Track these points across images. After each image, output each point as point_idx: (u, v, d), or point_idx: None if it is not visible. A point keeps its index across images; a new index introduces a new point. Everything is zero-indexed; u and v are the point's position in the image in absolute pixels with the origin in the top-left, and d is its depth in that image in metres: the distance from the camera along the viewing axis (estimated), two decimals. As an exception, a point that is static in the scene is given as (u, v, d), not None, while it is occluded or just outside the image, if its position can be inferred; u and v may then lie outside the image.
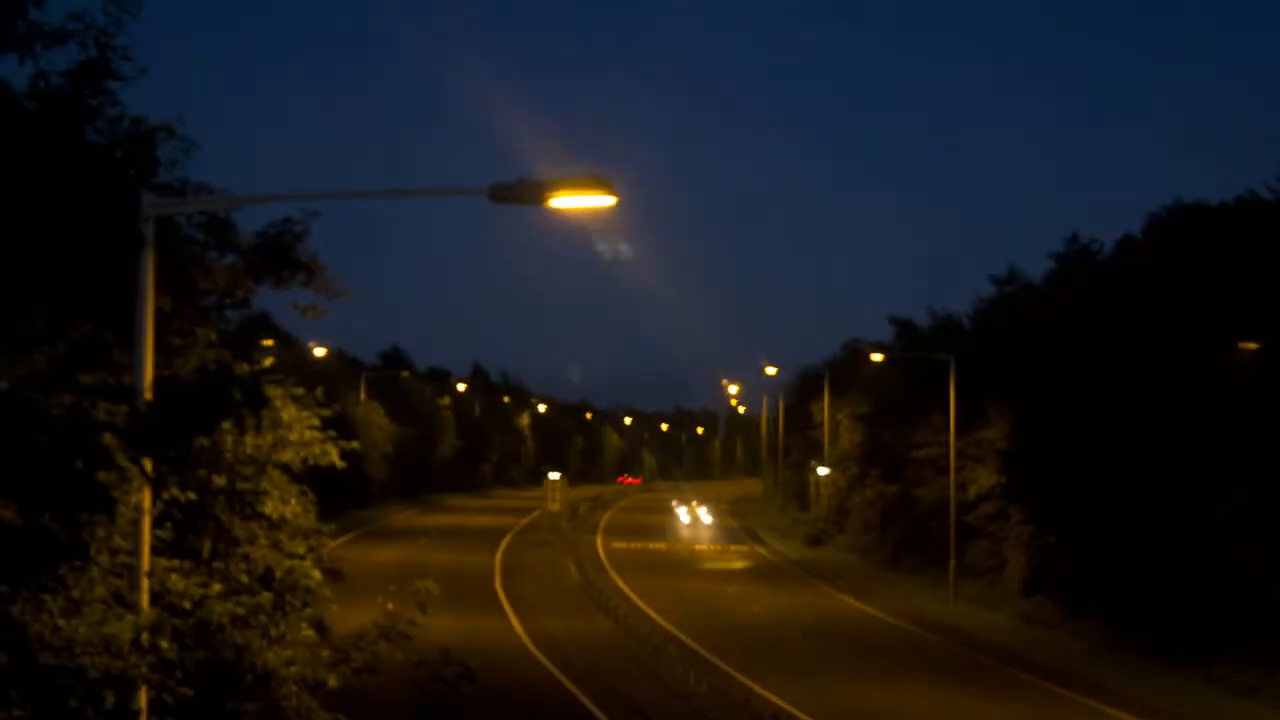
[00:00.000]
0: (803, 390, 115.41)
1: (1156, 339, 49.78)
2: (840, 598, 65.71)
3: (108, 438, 13.67)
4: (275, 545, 17.34)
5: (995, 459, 63.29)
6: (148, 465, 14.11)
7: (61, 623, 13.27)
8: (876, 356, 79.68)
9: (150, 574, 14.78)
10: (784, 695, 39.84)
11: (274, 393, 17.34)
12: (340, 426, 20.65)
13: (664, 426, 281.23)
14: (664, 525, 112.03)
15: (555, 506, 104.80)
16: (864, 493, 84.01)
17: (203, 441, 16.15)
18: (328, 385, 21.58)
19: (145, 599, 14.60)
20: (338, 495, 74.77)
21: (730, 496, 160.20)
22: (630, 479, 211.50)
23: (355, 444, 19.74)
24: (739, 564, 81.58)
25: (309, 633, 17.27)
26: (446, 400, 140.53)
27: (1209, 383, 47.22)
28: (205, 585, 15.37)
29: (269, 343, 69.02)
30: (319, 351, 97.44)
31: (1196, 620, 45.71)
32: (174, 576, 15.07)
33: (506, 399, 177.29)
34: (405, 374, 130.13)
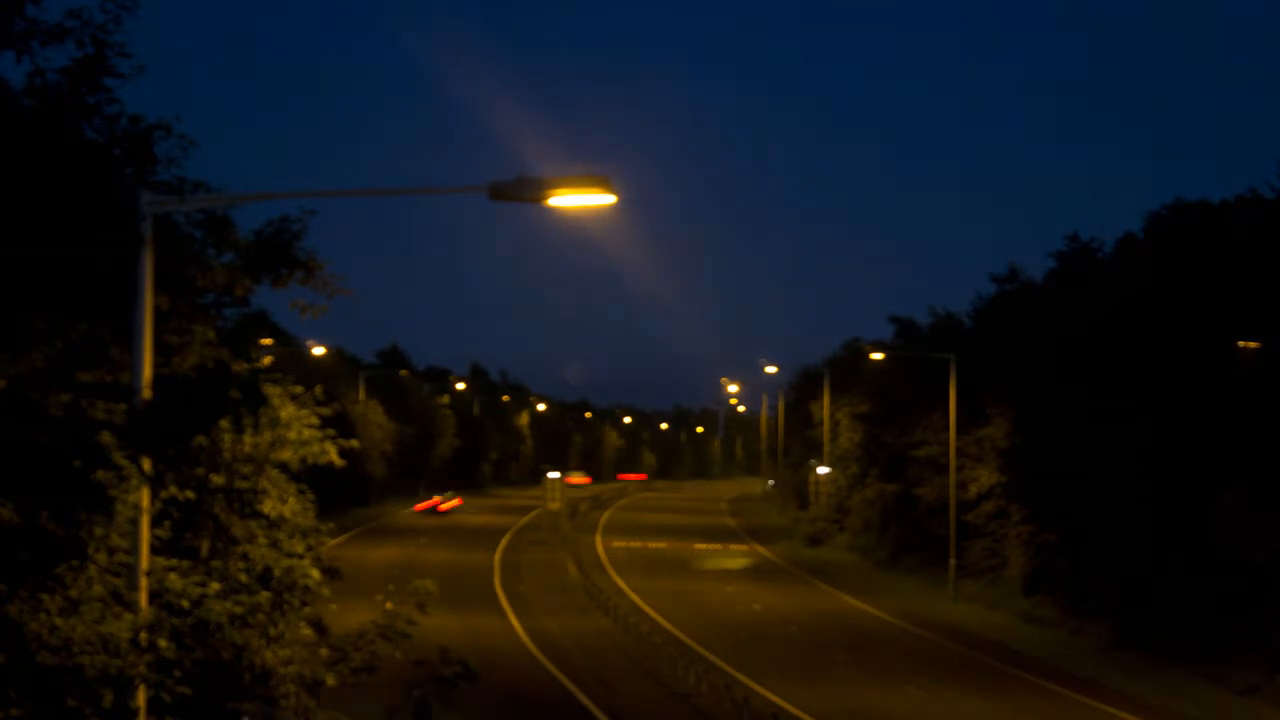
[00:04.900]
0: (802, 389, 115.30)
1: (1157, 338, 49.76)
2: (840, 597, 65.66)
3: (106, 436, 13.64)
4: (274, 544, 17.29)
5: (995, 458, 63.24)
6: (146, 464, 14.07)
7: (59, 622, 13.23)
8: (877, 355, 79.63)
9: (149, 573, 14.74)
10: (783, 694, 39.83)
11: (272, 391, 17.29)
12: (339, 425, 20.62)
13: (663, 426, 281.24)
14: (663, 524, 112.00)
15: (555, 505, 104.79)
16: (864, 492, 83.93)
17: (201, 440, 16.11)
18: (326, 384, 21.58)
19: (144, 598, 14.56)
20: (337, 494, 74.89)
21: (730, 496, 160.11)
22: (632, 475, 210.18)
23: (354, 442, 19.71)
24: (739, 563, 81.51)
25: (307, 632, 17.23)
26: (445, 399, 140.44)
27: (1209, 381, 47.20)
28: (204, 584, 15.31)
29: (267, 341, 69.08)
30: (318, 350, 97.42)
31: (1197, 618, 45.68)
32: (172, 575, 15.02)
33: (505, 398, 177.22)
34: (404, 373, 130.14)
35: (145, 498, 14.57)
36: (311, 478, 18.55)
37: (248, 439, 16.97)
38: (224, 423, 15.83)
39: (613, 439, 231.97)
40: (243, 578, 16.52)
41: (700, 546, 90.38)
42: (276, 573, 16.97)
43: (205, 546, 16.82)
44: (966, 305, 77.58)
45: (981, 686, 43.82)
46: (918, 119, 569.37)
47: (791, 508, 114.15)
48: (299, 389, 18.36)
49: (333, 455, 18.33)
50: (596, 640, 49.03)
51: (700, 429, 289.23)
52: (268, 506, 17.28)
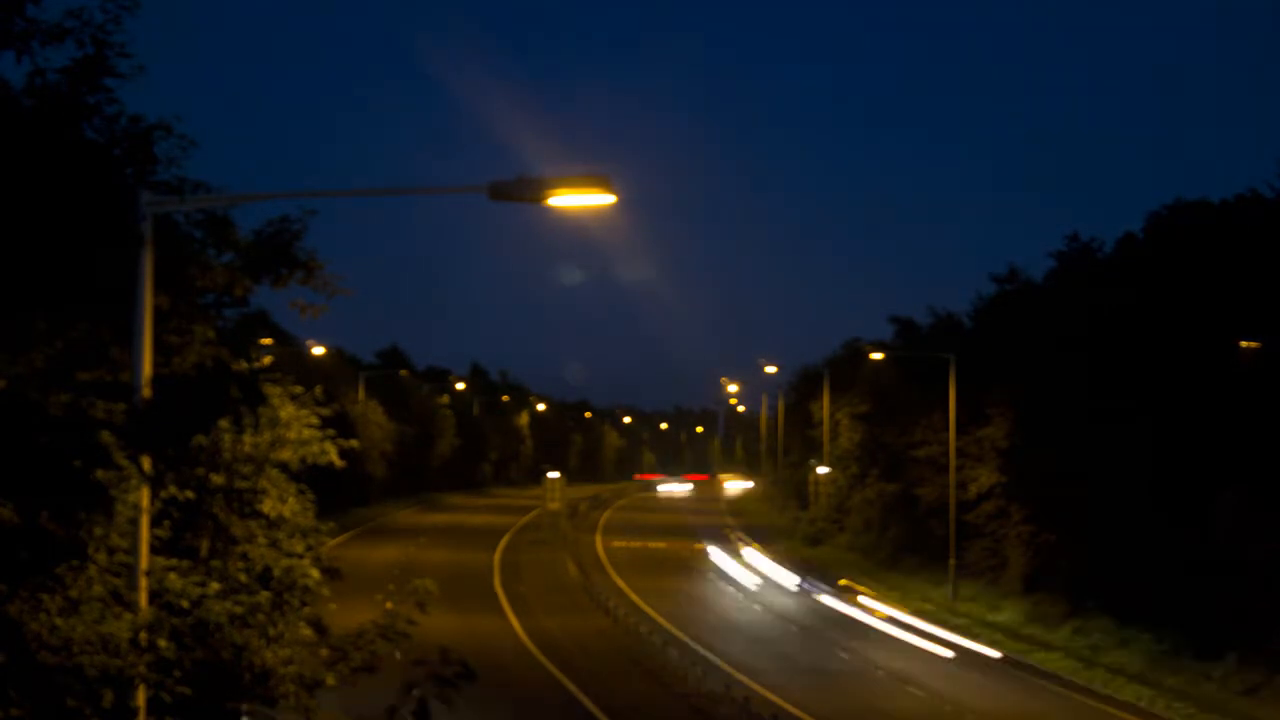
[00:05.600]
0: (802, 389, 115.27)
1: (1157, 337, 49.76)
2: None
3: (106, 436, 13.63)
4: (273, 544, 17.30)
5: (995, 458, 63.23)
6: (146, 463, 14.06)
7: (59, 621, 13.23)
8: (876, 355, 79.59)
9: (148, 573, 14.74)
10: (783, 694, 39.82)
11: (272, 391, 17.30)
12: (339, 425, 20.62)
13: (663, 425, 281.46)
14: (664, 524, 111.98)
15: (554, 505, 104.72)
16: (864, 491, 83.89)
17: (201, 440, 16.11)
18: (326, 384, 21.58)
19: (144, 598, 14.56)
20: (337, 494, 74.84)
21: (729, 495, 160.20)
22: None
23: (354, 442, 19.71)
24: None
25: (307, 631, 17.23)
26: (445, 399, 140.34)
27: (1209, 381, 47.20)
28: (203, 584, 15.32)
29: (267, 341, 69.06)
30: (317, 350, 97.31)
31: (1198, 618, 45.67)
32: (172, 575, 15.03)
33: (505, 398, 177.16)
34: (404, 373, 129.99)
35: (145, 498, 14.56)
36: (312, 477, 18.55)
37: (248, 439, 16.97)
38: (224, 422, 15.81)
39: (613, 439, 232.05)
40: (242, 578, 16.53)
41: (700, 546, 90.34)
42: (276, 573, 16.98)
43: (205, 546, 16.83)
44: (966, 305, 77.62)
45: (981, 686, 43.80)
46: (918, 118, 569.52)
47: (792, 507, 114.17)
48: (299, 389, 18.36)
49: (333, 455, 18.34)
50: (596, 640, 49.02)
51: (700, 429, 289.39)
52: (267, 506, 17.29)
